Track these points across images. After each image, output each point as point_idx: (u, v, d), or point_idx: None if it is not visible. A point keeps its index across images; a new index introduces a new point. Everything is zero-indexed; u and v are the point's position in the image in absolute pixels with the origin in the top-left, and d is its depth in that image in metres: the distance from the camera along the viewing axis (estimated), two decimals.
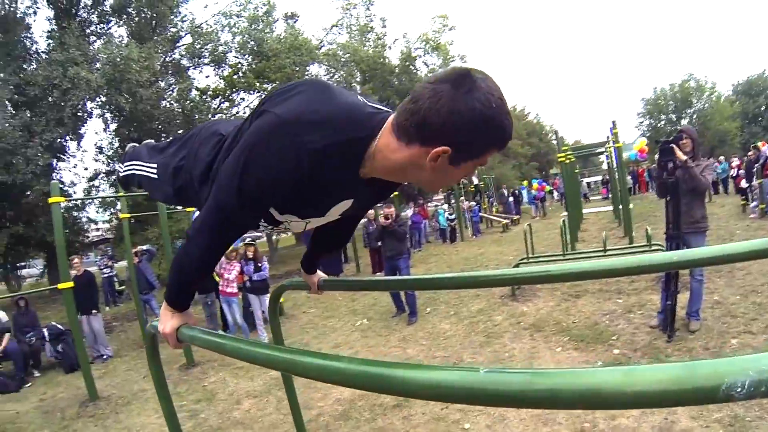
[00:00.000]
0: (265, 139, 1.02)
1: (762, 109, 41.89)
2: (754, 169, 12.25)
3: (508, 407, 0.59)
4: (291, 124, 1.00)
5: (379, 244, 7.96)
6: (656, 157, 4.68)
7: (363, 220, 15.01)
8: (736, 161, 16.94)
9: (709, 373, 0.51)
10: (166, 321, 1.35)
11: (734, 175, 16.19)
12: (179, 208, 7.65)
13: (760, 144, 13.23)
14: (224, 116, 18.40)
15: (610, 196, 19.55)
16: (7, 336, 7.13)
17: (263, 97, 1.18)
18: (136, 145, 1.99)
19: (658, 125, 42.76)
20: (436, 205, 25.85)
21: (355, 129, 1.04)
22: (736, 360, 0.51)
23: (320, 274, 1.93)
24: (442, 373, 0.65)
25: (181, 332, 1.33)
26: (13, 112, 14.26)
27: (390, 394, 0.71)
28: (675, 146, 4.43)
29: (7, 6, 15.10)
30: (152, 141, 1.98)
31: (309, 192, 1.10)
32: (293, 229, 1.46)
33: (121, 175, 1.96)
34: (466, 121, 0.92)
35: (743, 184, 13.38)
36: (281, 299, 8.73)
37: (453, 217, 17.59)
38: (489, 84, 0.94)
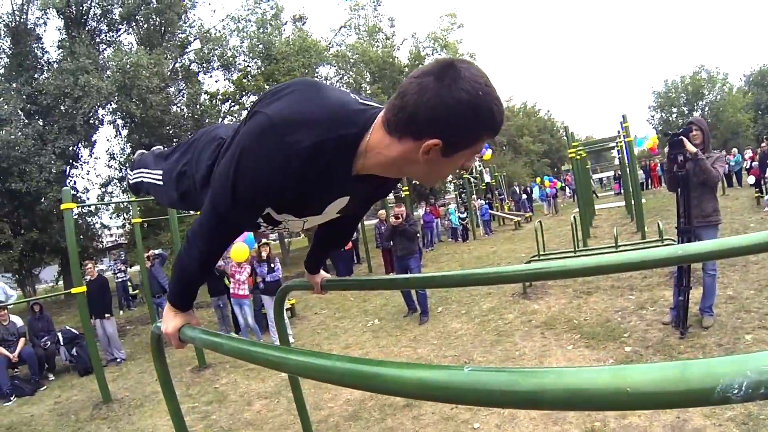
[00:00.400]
0: (255, 139, 1.03)
1: None
2: None
3: (491, 407, 0.58)
4: (280, 123, 1.00)
5: (391, 244, 7.95)
6: (666, 150, 4.59)
7: (374, 221, 15.03)
8: (749, 153, 16.66)
9: (702, 374, 0.48)
10: (169, 321, 1.37)
11: (748, 167, 15.95)
12: (191, 212, 7.71)
13: None
14: (234, 119, 18.52)
15: (622, 191, 19.33)
16: (22, 340, 7.23)
17: (257, 98, 1.18)
18: (144, 152, 2.04)
19: (670, 118, 42.22)
20: (449, 204, 25.71)
21: (344, 126, 1.03)
22: (732, 359, 0.48)
23: (323, 274, 1.96)
24: (427, 371, 0.64)
25: (183, 332, 1.35)
26: (26, 120, 14.47)
27: (375, 392, 0.71)
28: (685, 138, 4.34)
29: (17, 17, 15.32)
30: (161, 147, 2.02)
31: (303, 190, 1.10)
32: (292, 228, 1.47)
33: (130, 182, 2.02)
34: (453, 112, 0.91)
35: (749, 180, 13.19)
36: (293, 301, 8.79)
37: (465, 215, 17.51)
38: (474, 72, 0.92)
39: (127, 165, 16.96)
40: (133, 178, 1.95)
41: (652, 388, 0.50)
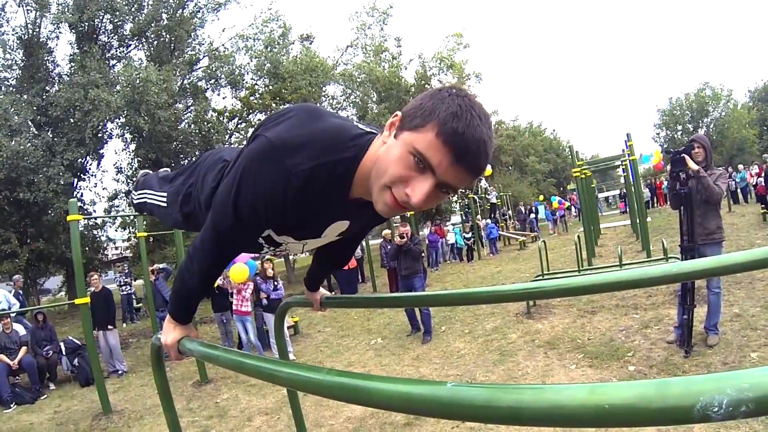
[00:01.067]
0: (255, 161, 1.05)
1: None
2: None
3: (472, 422, 0.60)
4: (279, 146, 1.02)
5: (396, 263, 7.93)
6: (668, 167, 4.60)
7: (380, 240, 14.99)
8: (755, 169, 16.60)
9: (681, 392, 0.48)
10: (169, 333, 1.39)
11: (755, 183, 15.90)
12: None
13: None
14: (241, 136, 18.69)
15: (627, 209, 19.26)
16: (23, 349, 7.27)
17: (259, 122, 1.21)
18: (149, 172, 2.09)
19: (675, 136, 42.16)
20: (454, 224, 25.55)
21: (342, 150, 1.05)
22: (712, 377, 0.48)
23: (323, 291, 1.99)
24: (411, 386, 0.65)
25: (182, 344, 1.37)
26: (36, 132, 14.69)
27: (362, 405, 0.72)
28: (687, 156, 4.35)
29: (30, 30, 15.64)
30: (167, 170, 2.07)
31: (301, 213, 1.12)
32: (292, 250, 1.49)
33: (134, 202, 2.06)
34: (424, 95, 0.96)
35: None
36: (296, 318, 8.77)
37: (470, 235, 17.49)
38: (474, 100, 0.94)
39: (134, 179, 17.07)
40: (137, 199, 1.99)
41: (630, 405, 0.50)
